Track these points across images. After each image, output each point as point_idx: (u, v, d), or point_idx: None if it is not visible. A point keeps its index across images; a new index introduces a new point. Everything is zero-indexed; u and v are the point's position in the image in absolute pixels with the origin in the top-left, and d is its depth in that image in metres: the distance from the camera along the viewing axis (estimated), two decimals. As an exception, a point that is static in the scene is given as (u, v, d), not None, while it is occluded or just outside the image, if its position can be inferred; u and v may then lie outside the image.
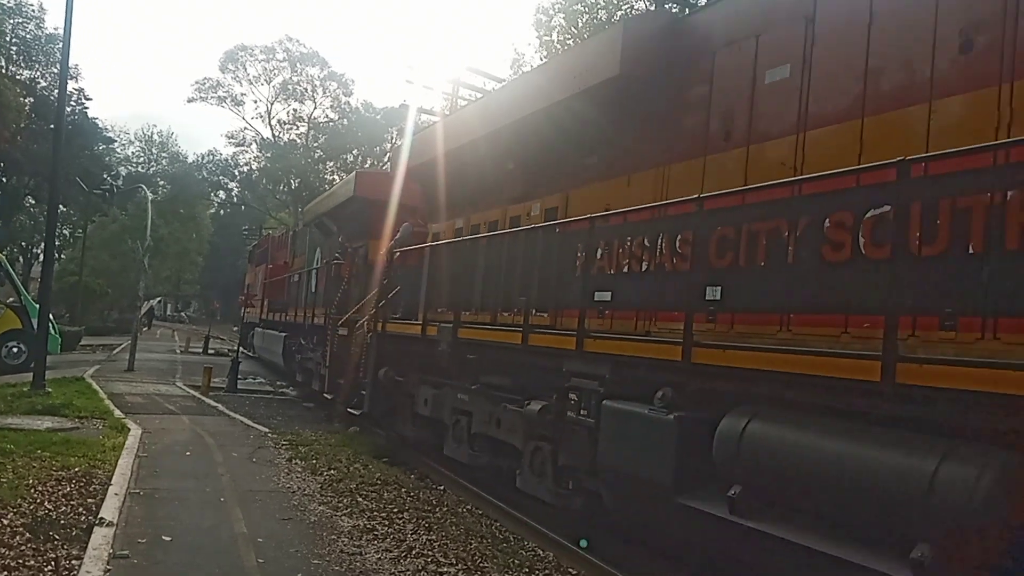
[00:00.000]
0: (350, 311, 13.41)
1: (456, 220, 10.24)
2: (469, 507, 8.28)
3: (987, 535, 3.52)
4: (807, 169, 5.21)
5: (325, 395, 14.38)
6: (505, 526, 7.61)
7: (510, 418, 7.85)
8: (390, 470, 9.82)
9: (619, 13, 31.44)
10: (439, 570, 6.08)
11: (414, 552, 6.46)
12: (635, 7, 31.58)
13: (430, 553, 6.47)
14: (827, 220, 4.71)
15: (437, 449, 9.82)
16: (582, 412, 6.38)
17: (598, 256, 6.75)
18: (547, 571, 6.36)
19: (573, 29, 31.81)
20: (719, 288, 5.36)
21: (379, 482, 8.99)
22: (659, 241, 6.12)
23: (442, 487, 9.21)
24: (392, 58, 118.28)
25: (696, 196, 5.57)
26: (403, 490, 8.74)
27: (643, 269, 6.27)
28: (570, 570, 6.40)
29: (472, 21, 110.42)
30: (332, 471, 9.45)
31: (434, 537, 6.95)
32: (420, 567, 6.10)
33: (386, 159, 55.09)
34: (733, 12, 6.26)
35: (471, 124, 9.55)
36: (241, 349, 23.05)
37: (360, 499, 8.15)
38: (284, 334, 19.41)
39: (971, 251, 3.96)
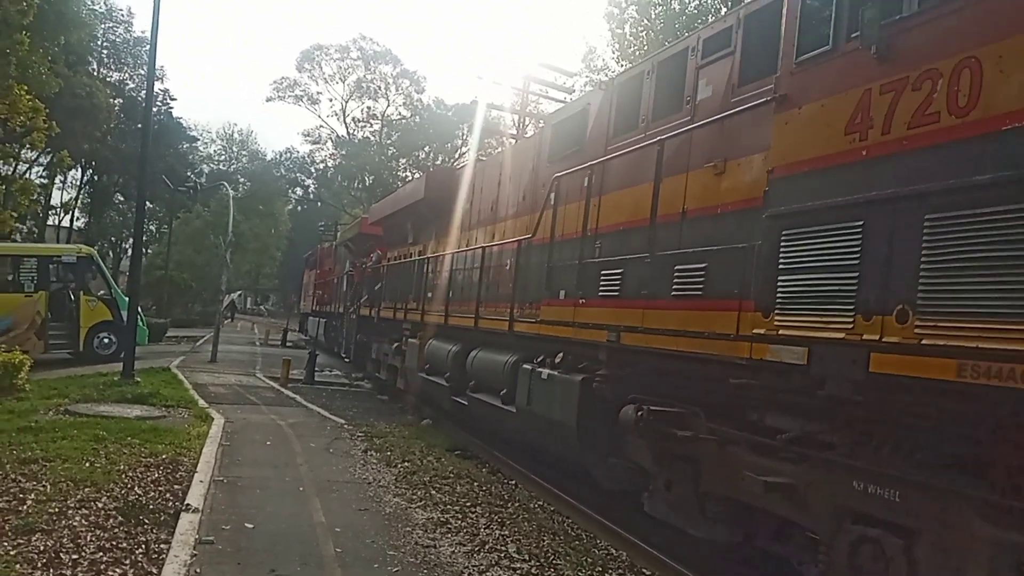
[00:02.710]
0: (358, 303, 20.26)
1: (398, 251, 17.25)
2: (541, 503, 8.29)
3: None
4: (498, 237, 11.02)
5: (344, 356, 22.51)
6: (577, 523, 7.59)
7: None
8: (463, 464, 9.91)
9: (692, 4, 30.92)
10: (512, 565, 6.10)
11: (487, 547, 6.50)
12: (708, -3, 31.01)
13: (503, 548, 6.50)
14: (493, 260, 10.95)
15: (390, 384, 16.40)
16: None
17: (427, 272, 14.10)
18: (620, 571, 6.31)
19: (646, 21, 31.42)
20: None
21: (452, 475, 9.08)
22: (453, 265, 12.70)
23: (514, 482, 9.24)
24: (463, 55, 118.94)
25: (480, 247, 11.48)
26: (475, 484, 8.80)
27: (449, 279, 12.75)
28: (644, 571, 6.34)
29: (543, 15, 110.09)
30: (406, 463, 9.58)
31: (507, 532, 6.99)
32: (493, 562, 6.13)
33: (457, 156, 55.55)
34: (472, 172, 12.99)
35: (386, 209, 18.09)
36: (300, 335, 33.66)
37: (434, 492, 8.24)
38: (324, 320, 28.90)
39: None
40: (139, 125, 44.51)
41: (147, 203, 31.77)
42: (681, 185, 6.52)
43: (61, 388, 13.24)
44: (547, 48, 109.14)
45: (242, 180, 66.03)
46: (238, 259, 50.08)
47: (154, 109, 22.80)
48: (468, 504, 7.87)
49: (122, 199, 53.68)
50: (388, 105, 61.28)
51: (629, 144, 7.49)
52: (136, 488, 7.09)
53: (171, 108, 53.71)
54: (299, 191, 70.96)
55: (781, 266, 5.03)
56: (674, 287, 6.27)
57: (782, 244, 5.05)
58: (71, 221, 51.97)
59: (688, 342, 5.96)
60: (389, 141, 59.80)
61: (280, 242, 68.82)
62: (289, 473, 8.62)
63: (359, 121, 62.11)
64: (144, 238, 33.49)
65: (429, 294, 13.45)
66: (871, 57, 4.59)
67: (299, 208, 74.74)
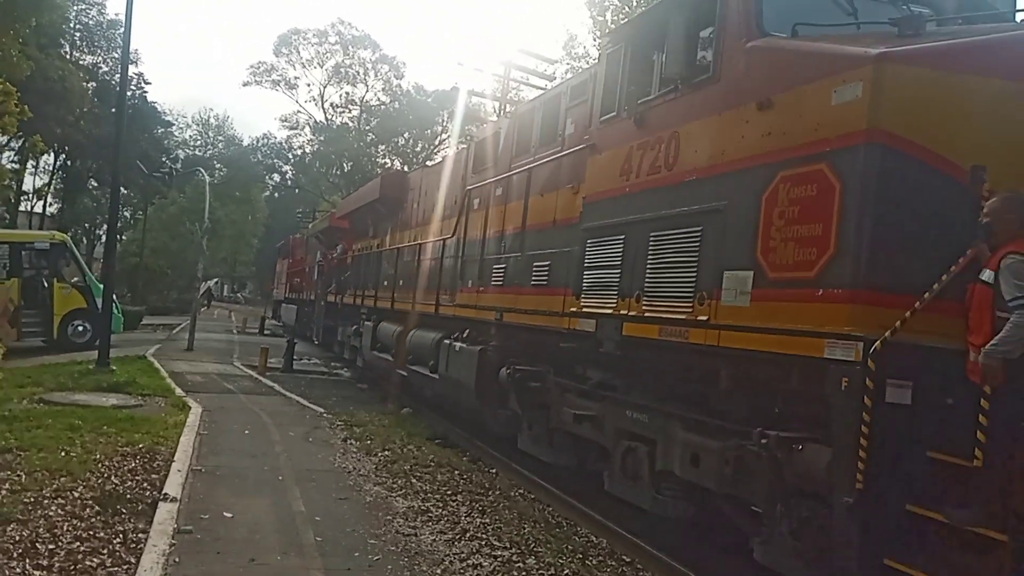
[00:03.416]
0: (326, 291, 21.93)
1: (361, 243, 18.98)
2: (521, 491, 8.32)
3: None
4: (432, 236, 12.80)
5: (314, 340, 24.32)
6: (558, 511, 7.62)
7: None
8: (443, 452, 9.92)
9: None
10: (493, 553, 6.12)
11: (468, 535, 6.52)
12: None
13: (484, 536, 6.52)
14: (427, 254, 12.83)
15: (350, 354, 18.97)
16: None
17: (381, 263, 16.33)
18: (601, 557, 6.36)
19: (627, 8, 31.37)
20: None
21: (432, 464, 9.08)
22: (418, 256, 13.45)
23: (494, 470, 9.26)
24: (443, 41, 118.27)
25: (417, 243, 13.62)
26: (456, 472, 8.82)
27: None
28: (624, 557, 6.39)
29: (524, 1, 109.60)
30: (386, 452, 9.58)
31: (488, 520, 7.01)
32: (475, 549, 6.15)
33: (437, 143, 55.29)
34: (420, 176, 15.11)
35: (351, 205, 20.70)
36: (274, 321, 34.51)
37: (414, 480, 8.25)
38: (296, 307, 29.74)
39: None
40: (113, 109, 43.73)
41: (121, 189, 31.30)
42: (552, 201, 8.39)
43: (35, 376, 13.09)
44: (528, 35, 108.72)
45: (218, 166, 65.25)
46: (214, 246, 49.61)
47: (128, 93, 22.39)
48: (449, 492, 7.88)
49: (96, 185, 52.86)
50: (367, 91, 60.68)
51: (522, 165, 9.38)
52: (113, 477, 7.03)
53: (145, 92, 52.86)
54: (276, 177, 70.35)
55: (585, 265, 7.24)
56: (532, 278, 8.49)
57: (586, 250, 7.25)
58: (44, 207, 51.19)
59: (539, 318, 8.20)
60: (368, 127, 59.23)
61: (257, 229, 68.27)
62: (268, 462, 8.59)
63: (337, 107, 61.44)
64: (119, 224, 33.12)
65: (384, 282, 15.45)
66: (633, 124, 6.75)
67: (276, 195, 74.16)
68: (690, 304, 5.65)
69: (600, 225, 7.07)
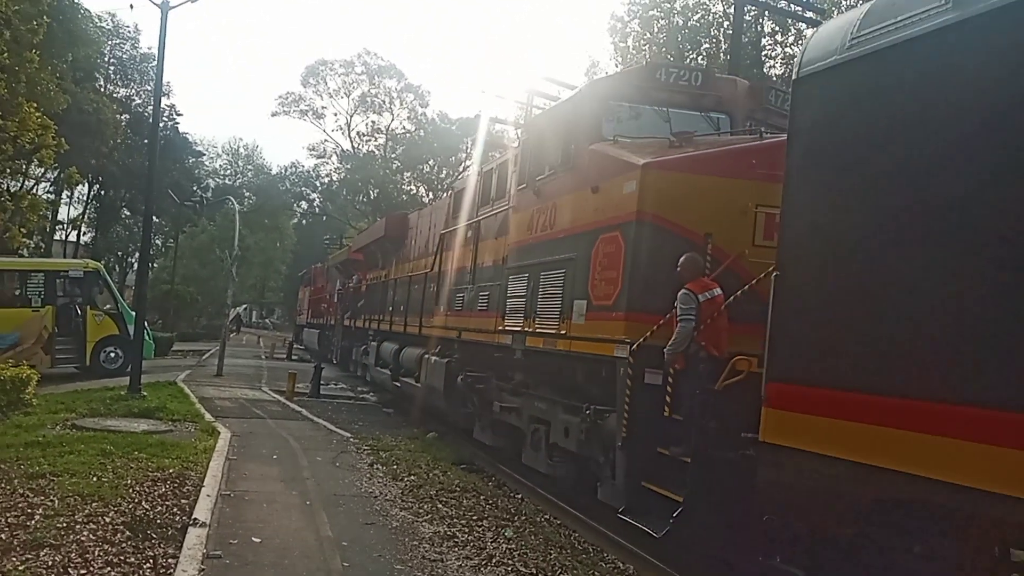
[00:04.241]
0: (343, 316, 24.62)
1: (373, 274, 21.36)
2: (547, 516, 8.27)
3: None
4: (414, 270, 15.97)
5: (333, 360, 25.97)
6: (584, 537, 7.57)
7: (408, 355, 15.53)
8: (468, 477, 9.90)
9: (695, 17, 31.05)
10: (519, 579, 6.09)
11: (494, 560, 6.49)
12: (711, 12, 31.16)
13: (510, 562, 6.49)
14: (414, 285, 15.54)
15: (361, 371, 21.52)
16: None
17: (385, 292, 18.53)
18: (628, 583, 6.29)
19: (648, 35, 31.56)
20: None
21: (458, 489, 9.06)
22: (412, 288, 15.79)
23: (520, 495, 9.22)
24: (467, 69, 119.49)
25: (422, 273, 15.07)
26: (482, 497, 8.79)
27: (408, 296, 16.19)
28: (651, 583, 6.32)
29: (547, 29, 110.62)
30: (412, 476, 9.58)
31: (514, 546, 6.97)
32: (500, 575, 6.11)
33: (461, 168, 55.69)
34: (416, 218, 17.72)
35: (363, 240, 23.25)
36: (297, 345, 36.42)
37: (440, 506, 8.23)
38: (317, 331, 32.60)
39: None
40: (146, 140, 44.64)
41: (153, 217, 31.85)
42: (492, 245, 10.98)
43: (68, 402, 13.28)
44: (551, 61, 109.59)
45: (248, 194, 66.05)
46: (244, 273, 50.13)
47: (160, 124, 22.85)
48: (475, 518, 7.86)
49: (128, 214, 53.76)
50: (393, 119, 61.36)
51: (483, 214, 11.81)
52: (143, 502, 7.10)
53: (177, 123, 53.74)
54: (304, 205, 70.99)
55: (507, 295, 9.75)
56: (479, 304, 11.04)
57: (508, 284, 9.80)
58: (78, 236, 52.06)
59: (482, 335, 10.71)
60: (394, 155, 59.85)
61: (285, 256, 68.89)
62: (296, 487, 8.62)
63: (364, 135, 62.14)
64: (150, 252, 33.59)
65: (389, 308, 17.81)
66: (533, 194, 9.33)
67: (304, 222, 74.86)
68: (557, 322, 8.23)
69: (515, 266, 9.70)
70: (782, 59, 30.42)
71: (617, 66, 31.41)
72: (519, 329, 9.15)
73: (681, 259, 6.55)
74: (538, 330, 8.62)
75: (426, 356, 13.02)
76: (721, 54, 28.28)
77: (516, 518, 8.05)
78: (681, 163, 7.11)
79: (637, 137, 8.00)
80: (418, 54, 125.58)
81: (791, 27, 28.88)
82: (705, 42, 31.06)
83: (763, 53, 30.74)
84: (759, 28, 29.93)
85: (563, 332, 7.98)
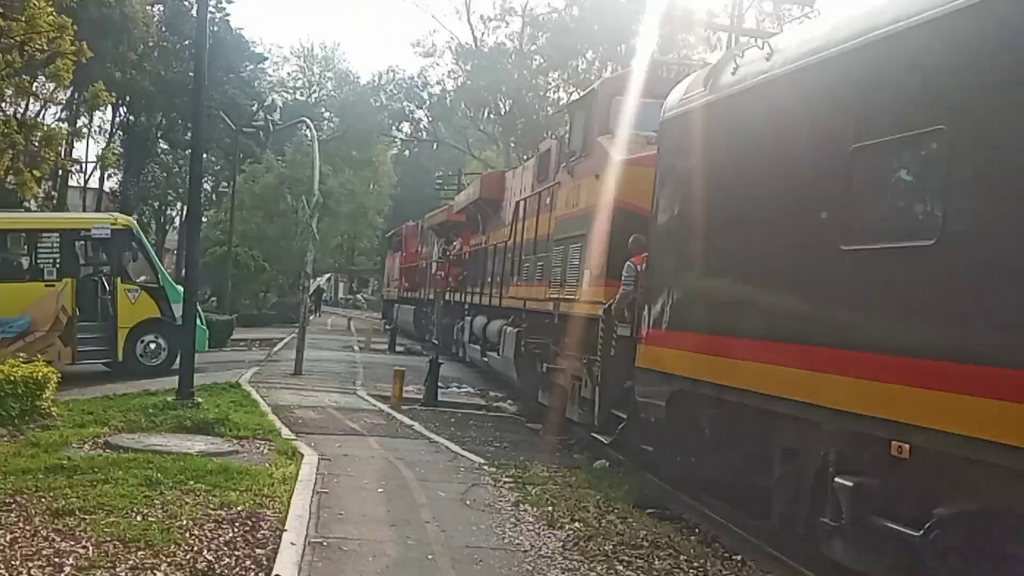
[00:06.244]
0: (444, 289, 29.02)
1: (475, 239, 26.96)
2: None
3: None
4: (501, 238, 23.00)
5: (434, 341, 28.55)
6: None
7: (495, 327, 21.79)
8: (659, 526, 9.86)
9: None
10: None
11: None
12: None
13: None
14: (497, 254, 23.22)
15: (457, 349, 28.28)
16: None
17: (477, 261, 25.98)
18: None
19: None
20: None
21: (645, 543, 9.04)
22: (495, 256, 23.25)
23: (739, 557, 9.10)
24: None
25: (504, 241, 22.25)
26: (681, 558, 8.73)
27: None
28: None
29: None
30: (577, 523, 9.65)
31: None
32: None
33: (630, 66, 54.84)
34: (511, 178, 24.07)
35: (463, 201, 29.63)
36: (385, 324, 43.95)
37: (620, 568, 8.25)
38: (413, 307, 38.92)
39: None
40: (187, 41, 45.57)
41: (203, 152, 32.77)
42: (551, 218, 16.76)
43: (98, 412, 14.14)
44: None
45: (328, 115, 67.52)
46: (326, 228, 49.91)
47: (207, 15, 23.00)
48: (672, 587, 7.84)
49: (166, 147, 55.34)
50: (532, -7, 61.21)
51: (542, 185, 18.13)
52: (205, 552, 7.46)
53: (228, 16, 54.75)
54: (407, 128, 71.16)
55: (553, 265, 16.02)
56: (536, 274, 17.42)
57: (551, 255, 16.30)
58: (100, 180, 53.06)
59: (538, 303, 16.93)
60: (534, 47, 59.62)
61: (382, 202, 69.75)
62: (412, 534, 8.86)
63: (490, 20, 62.22)
64: (200, 201, 34.21)
65: (485, 278, 23.36)
66: (568, 173, 16.03)
67: (407, 153, 75.86)
68: (575, 289, 14.39)
69: (561, 237, 15.73)
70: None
71: None
72: (557, 296, 15.37)
73: (631, 239, 12.14)
74: (566, 296, 14.92)
75: (504, 327, 19.29)
76: None
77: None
78: (646, 159, 12.29)
79: (640, 132, 13.27)
80: None
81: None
82: None
83: None
84: None
85: (578, 298, 14.22)
